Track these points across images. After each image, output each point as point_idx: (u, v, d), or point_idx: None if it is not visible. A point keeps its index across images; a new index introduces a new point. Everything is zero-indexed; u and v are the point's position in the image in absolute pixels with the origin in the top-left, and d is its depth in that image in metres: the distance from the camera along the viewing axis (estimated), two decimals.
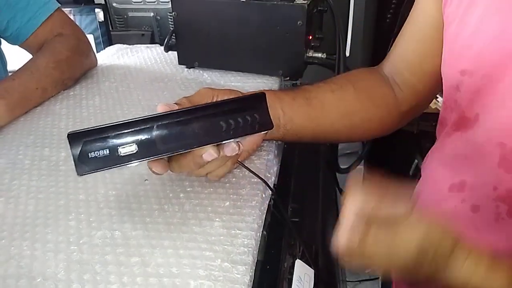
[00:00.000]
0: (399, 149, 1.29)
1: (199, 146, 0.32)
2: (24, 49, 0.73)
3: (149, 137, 0.29)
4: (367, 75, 0.55)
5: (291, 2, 0.66)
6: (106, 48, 0.95)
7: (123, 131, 0.29)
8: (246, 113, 0.32)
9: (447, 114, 0.47)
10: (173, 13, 0.71)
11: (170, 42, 0.76)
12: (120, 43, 0.96)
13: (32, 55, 0.70)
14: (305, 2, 0.67)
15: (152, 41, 1.15)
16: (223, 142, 0.33)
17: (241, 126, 0.32)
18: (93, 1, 1.26)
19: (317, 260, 0.46)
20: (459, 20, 0.41)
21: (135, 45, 0.94)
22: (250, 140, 0.45)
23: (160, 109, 0.35)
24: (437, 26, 0.46)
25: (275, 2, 0.66)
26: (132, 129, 0.29)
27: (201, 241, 0.38)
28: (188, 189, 0.44)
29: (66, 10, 0.98)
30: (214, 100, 0.42)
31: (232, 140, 0.34)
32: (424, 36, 0.49)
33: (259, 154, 0.50)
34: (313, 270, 0.41)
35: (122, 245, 0.37)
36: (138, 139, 0.29)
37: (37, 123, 0.59)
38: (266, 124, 0.33)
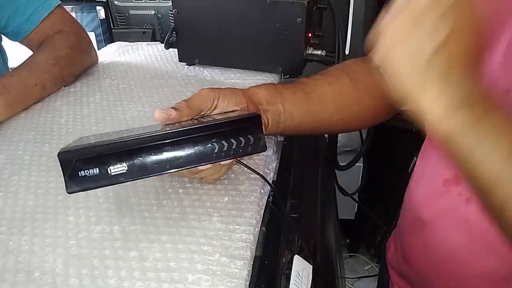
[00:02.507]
0: (398, 147, 1.29)
1: (190, 167, 0.32)
2: (25, 45, 0.73)
3: (140, 158, 0.29)
4: (361, 65, 0.55)
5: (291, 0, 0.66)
6: (107, 46, 0.95)
7: (114, 151, 0.28)
8: (240, 135, 0.32)
9: None
10: (174, 10, 0.71)
11: (170, 39, 0.76)
12: (121, 41, 0.97)
13: (33, 52, 0.70)
14: None
15: (153, 39, 1.15)
16: (216, 162, 0.33)
17: (233, 149, 0.32)
18: None
19: (315, 256, 0.46)
20: None
21: (135, 43, 0.94)
22: None
23: (157, 115, 0.35)
24: None
25: None
26: (123, 149, 0.29)
27: (199, 236, 0.38)
28: (187, 185, 0.44)
29: (67, 7, 0.99)
30: (215, 103, 0.40)
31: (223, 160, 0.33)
32: None
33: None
34: (311, 266, 0.41)
35: (120, 240, 0.38)
36: (129, 160, 0.29)
37: (37, 119, 0.60)
38: (259, 146, 0.33)
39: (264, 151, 0.34)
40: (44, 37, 0.71)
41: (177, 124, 0.35)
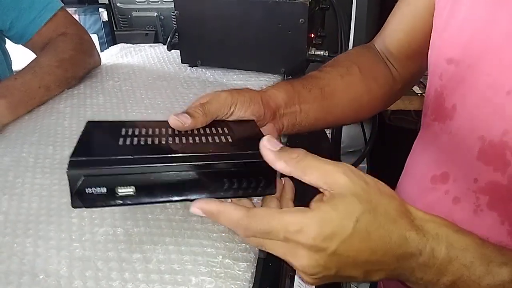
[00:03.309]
0: (402, 147, 1.29)
1: (197, 198, 0.31)
2: (28, 48, 0.74)
3: (149, 183, 0.28)
4: (367, 53, 0.55)
5: (293, 0, 0.66)
6: (109, 47, 0.95)
7: (125, 172, 0.28)
8: (253, 177, 0.31)
9: (427, 103, 0.47)
10: (176, 12, 0.71)
11: (173, 41, 0.76)
12: (124, 43, 0.97)
13: (36, 55, 0.71)
14: None
15: (156, 41, 1.15)
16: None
17: (243, 188, 0.31)
18: (97, 1, 1.26)
19: None
20: (450, 6, 0.41)
21: (138, 44, 0.94)
22: None
23: (172, 122, 0.34)
24: (430, 8, 0.46)
25: (277, 0, 0.66)
26: (135, 172, 0.28)
27: (202, 238, 0.38)
28: None
29: (70, 10, 0.99)
30: (231, 110, 0.38)
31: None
32: (414, 17, 0.49)
33: None
34: None
35: (124, 242, 0.38)
36: (138, 184, 0.28)
37: (41, 121, 0.60)
38: (269, 190, 0.32)
39: (273, 194, 0.32)
40: (48, 40, 0.71)
41: (189, 132, 0.35)
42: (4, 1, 0.67)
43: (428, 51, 0.46)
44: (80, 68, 0.72)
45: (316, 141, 0.75)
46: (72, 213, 0.42)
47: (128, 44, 0.94)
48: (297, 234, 0.27)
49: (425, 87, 1.14)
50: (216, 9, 0.69)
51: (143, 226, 0.39)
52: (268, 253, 0.39)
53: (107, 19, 1.20)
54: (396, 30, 0.53)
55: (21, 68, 0.65)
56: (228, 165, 0.30)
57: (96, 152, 0.29)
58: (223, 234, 0.38)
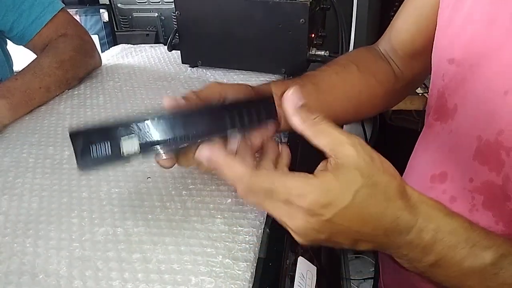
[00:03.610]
0: (403, 147, 1.29)
1: (200, 141, 0.31)
2: (29, 49, 0.74)
3: (151, 134, 0.29)
4: (367, 53, 0.56)
5: (294, 0, 0.66)
6: (110, 48, 0.95)
7: (125, 128, 0.28)
8: (252, 109, 0.32)
9: (430, 103, 0.47)
10: (176, 12, 0.71)
11: (173, 41, 0.77)
12: (125, 43, 0.97)
13: (37, 55, 0.71)
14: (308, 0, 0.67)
15: (157, 41, 1.15)
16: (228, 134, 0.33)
17: (245, 119, 0.32)
18: (98, 2, 1.27)
19: (320, 257, 0.46)
20: (452, 5, 0.41)
21: (139, 45, 0.94)
22: (259, 135, 0.44)
23: (166, 101, 0.35)
24: (435, 8, 0.46)
25: (278, 0, 0.66)
26: (135, 126, 0.29)
27: (202, 238, 0.38)
28: (191, 187, 0.44)
29: (71, 11, 0.99)
30: (222, 97, 0.39)
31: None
32: (420, 16, 0.49)
33: None
34: (315, 268, 0.41)
35: (124, 242, 0.38)
36: (140, 137, 0.29)
37: (42, 122, 0.60)
38: (271, 115, 0.33)
39: (275, 121, 0.33)
40: (48, 41, 0.71)
41: None
42: (4, 2, 0.67)
43: (431, 52, 0.46)
44: (80, 69, 0.72)
45: None
46: (72, 213, 0.42)
47: (129, 45, 0.94)
48: (298, 197, 0.28)
49: (427, 87, 1.14)
50: (217, 9, 0.69)
51: (142, 226, 0.39)
52: (268, 253, 0.39)
53: (107, 20, 1.20)
54: (401, 30, 0.52)
55: (21, 69, 0.65)
56: (229, 106, 0.31)
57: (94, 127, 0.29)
58: (223, 234, 0.38)
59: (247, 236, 0.38)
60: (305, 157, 0.62)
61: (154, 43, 1.09)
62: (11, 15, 0.69)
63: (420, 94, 1.09)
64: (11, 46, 0.78)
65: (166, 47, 0.78)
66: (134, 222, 0.40)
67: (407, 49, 0.52)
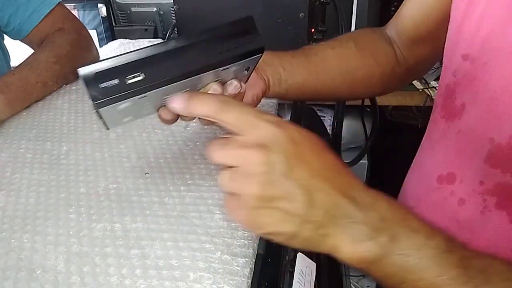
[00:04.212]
0: (403, 143, 1.29)
1: (202, 69, 0.33)
2: (26, 44, 0.73)
3: (153, 64, 0.31)
4: (371, 33, 0.55)
5: None
6: (108, 43, 0.95)
7: (129, 61, 0.30)
8: (239, 36, 0.34)
9: (437, 98, 0.46)
10: (175, 7, 0.71)
11: (172, 36, 0.76)
12: (123, 38, 0.96)
13: (34, 50, 0.70)
14: None
15: (155, 36, 1.14)
16: (225, 67, 0.35)
17: (236, 48, 0.34)
18: None
19: (319, 253, 0.45)
20: (468, 0, 0.39)
21: (137, 40, 0.93)
22: (250, 94, 0.44)
23: None
24: None
25: None
26: (138, 58, 0.30)
27: (201, 234, 0.37)
28: (189, 182, 0.44)
29: (69, 5, 0.98)
30: None
31: (231, 66, 0.35)
32: (425, 3, 0.48)
33: None
34: (315, 264, 0.41)
35: (121, 238, 0.37)
36: (144, 68, 0.30)
37: (39, 117, 0.60)
38: (258, 44, 0.34)
39: (263, 46, 0.35)
40: (45, 35, 0.70)
41: None
42: None
43: (436, 40, 0.45)
44: (78, 63, 0.69)
45: (316, 136, 0.74)
46: (69, 209, 0.41)
47: (127, 40, 0.93)
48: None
49: (427, 82, 1.13)
50: (215, 3, 0.68)
51: (140, 222, 0.39)
52: (267, 249, 0.39)
53: (106, 15, 1.19)
54: (406, 15, 0.52)
55: (18, 64, 0.64)
56: (217, 30, 0.33)
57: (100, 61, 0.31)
58: (221, 230, 0.38)
59: (246, 232, 0.37)
60: None
61: (153, 38, 1.08)
62: (7, 10, 0.68)
63: (420, 90, 1.09)
64: (8, 41, 0.77)
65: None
66: (132, 218, 0.39)
67: (410, 35, 0.51)
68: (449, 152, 0.43)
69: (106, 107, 0.30)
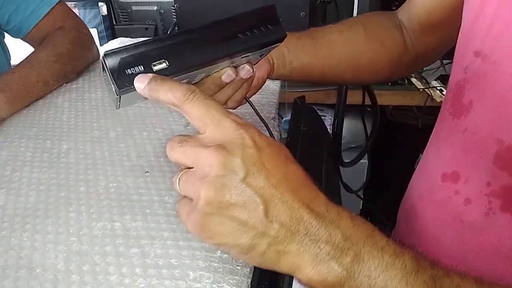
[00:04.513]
0: (404, 143, 1.28)
1: (224, 57, 0.34)
2: (27, 42, 0.73)
3: (178, 52, 0.31)
4: (380, 17, 0.55)
5: None
6: (109, 42, 0.94)
7: (154, 48, 0.30)
8: (260, 24, 0.34)
9: (447, 95, 0.45)
10: (175, 5, 0.70)
11: None
12: (124, 37, 0.96)
13: (35, 48, 0.70)
14: None
15: (156, 35, 1.14)
16: (244, 55, 0.35)
17: (257, 37, 0.34)
18: None
19: None
20: None
21: (137, 39, 0.93)
22: (255, 75, 0.43)
23: None
24: None
25: None
26: (162, 45, 0.31)
27: None
28: None
29: (70, 4, 0.98)
30: None
31: (251, 54, 0.36)
32: None
33: None
34: None
35: (121, 236, 0.37)
36: (169, 55, 0.31)
37: (39, 116, 0.59)
38: (279, 33, 0.35)
39: (284, 36, 0.36)
40: (46, 34, 0.70)
41: None
42: None
43: (447, 28, 0.45)
44: (78, 62, 0.71)
45: (317, 135, 0.74)
46: (69, 208, 0.41)
47: (127, 38, 0.93)
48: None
49: (428, 82, 1.13)
50: (216, 2, 0.68)
51: (140, 221, 0.39)
52: None
53: (106, 13, 1.19)
54: (418, 2, 0.51)
55: (19, 62, 0.64)
56: (237, 18, 0.33)
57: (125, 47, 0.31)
58: None
59: None
60: (305, 152, 0.62)
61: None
62: (8, 8, 0.68)
63: (421, 90, 1.08)
64: (8, 39, 0.77)
65: None
66: (132, 217, 0.39)
67: (421, 22, 0.51)
68: (455, 151, 0.42)
69: (129, 93, 0.30)
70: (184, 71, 0.32)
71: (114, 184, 0.44)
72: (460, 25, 0.42)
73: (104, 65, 0.29)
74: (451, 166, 0.42)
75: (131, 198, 0.42)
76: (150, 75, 0.29)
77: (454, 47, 0.44)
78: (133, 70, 0.29)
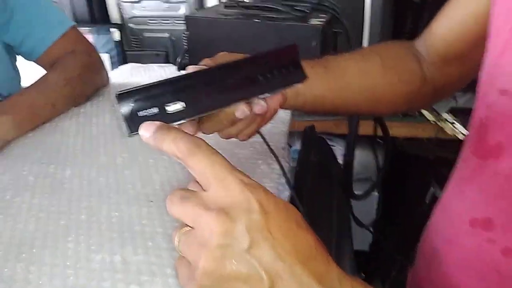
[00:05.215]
0: (415, 176, 1.25)
1: (240, 100, 0.33)
2: (38, 64, 0.73)
3: (194, 93, 0.30)
4: (397, 48, 0.52)
5: (306, 23, 0.65)
6: (119, 67, 0.95)
7: (170, 89, 0.29)
8: (280, 65, 0.34)
9: (470, 133, 0.43)
10: (187, 32, 0.71)
11: (183, 61, 0.76)
12: (135, 63, 0.97)
13: (46, 71, 0.70)
14: (320, 23, 0.66)
15: (167, 62, 1.15)
16: (262, 96, 0.35)
17: (276, 79, 0.33)
18: (109, 21, 1.28)
19: None
20: (509, 30, 0.36)
21: (148, 64, 0.94)
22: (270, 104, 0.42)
23: (190, 70, 0.35)
24: (478, 20, 0.43)
25: (290, 23, 0.65)
26: (178, 87, 0.29)
27: None
28: None
29: (84, 29, 0.99)
30: None
31: (268, 94, 0.35)
32: (459, 24, 0.46)
33: (270, 177, 0.48)
34: None
35: (121, 271, 0.35)
36: (185, 96, 0.29)
37: (45, 139, 0.58)
38: (299, 75, 0.35)
39: (305, 80, 0.35)
40: (57, 57, 0.70)
41: None
42: (16, 18, 0.67)
43: (467, 61, 0.43)
44: (87, 86, 0.71)
45: (327, 166, 0.72)
46: (68, 237, 0.39)
47: (138, 64, 0.94)
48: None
49: (439, 114, 1.11)
50: (229, 30, 0.68)
51: (142, 254, 0.37)
52: None
53: (119, 39, 1.21)
54: (436, 33, 0.50)
55: (28, 85, 0.64)
56: (257, 60, 0.33)
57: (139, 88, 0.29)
58: None
59: None
60: (315, 184, 0.60)
61: (163, 63, 1.08)
62: (22, 31, 0.69)
63: (433, 123, 1.07)
64: (21, 62, 0.77)
65: (175, 67, 0.78)
66: (133, 249, 0.37)
67: (441, 54, 0.49)
68: (486, 196, 0.39)
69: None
70: (199, 114, 0.31)
71: (117, 214, 0.42)
72: (483, 57, 0.40)
73: (117, 106, 0.28)
74: (481, 212, 0.39)
75: (133, 229, 0.40)
76: (157, 123, 0.27)
77: (474, 80, 0.42)
78: (146, 112, 0.28)
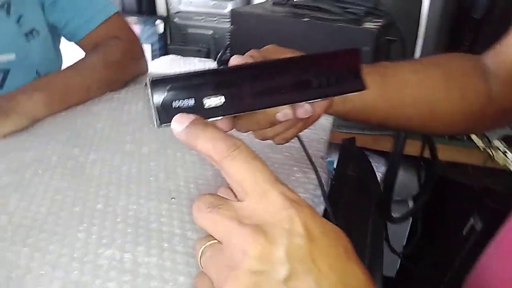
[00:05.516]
0: (456, 204, 1.16)
1: (287, 103, 0.30)
2: (80, 47, 0.73)
3: (237, 89, 0.26)
4: (462, 62, 0.46)
5: (359, 26, 0.60)
6: (160, 57, 0.94)
7: (211, 81, 0.26)
8: (338, 71, 0.29)
9: None
10: (232, 26, 0.68)
11: (223, 57, 0.73)
12: (175, 55, 0.95)
13: (86, 54, 0.69)
14: (375, 27, 0.61)
15: (207, 57, 1.14)
16: (313, 101, 0.31)
17: (332, 85, 0.29)
18: (156, 13, 1.28)
19: None
20: None
21: (188, 57, 0.92)
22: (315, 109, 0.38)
23: (234, 61, 0.32)
24: None
25: (342, 24, 0.60)
26: (221, 80, 0.26)
27: None
28: None
29: (131, 18, 0.99)
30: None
31: (319, 99, 0.31)
32: None
33: (305, 187, 0.43)
34: None
35: (129, 272, 0.31)
36: (226, 91, 0.26)
37: (75, 120, 0.57)
38: (358, 84, 0.30)
39: (363, 90, 0.31)
40: (98, 41, 0.70)
41: None
42: (61, 1, 0.67)
43: None
44: (125, 72, 0.69)
45: (366, 183, 0.66)
46: (80, 226, 0.36)
47: (179, 56, 0.92)
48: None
49: (490, 141, 1.02)
50: (274, 28, 0.64)
51: (155, 256, 0.33)
52: None
53: (163, 31, 1.21)
54: (509, 49, 0.44)
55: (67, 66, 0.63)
56: (314, 60, 0.29)
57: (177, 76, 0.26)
58: None
59: None
60: (351, 200, 0.54)
61: (203, 57, 1.07)
62: (67, 13, 0.68)
63: (482, 149, 0.98)
64: (64, 44, 0.77)
65: (215, 62, 0.75)
66: (146, 250, 0.33)
67: (510, 72, 0.43)
68: None
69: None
70: (239, 112, 0.27)
71: (134, 207, 0.39)
72: None
73: (149, 93, 0.25)
74: None
75: (149, 226, 0.36)
76: (193, 116, 0.24)
77: None
78: (180, 103, 0.25)
